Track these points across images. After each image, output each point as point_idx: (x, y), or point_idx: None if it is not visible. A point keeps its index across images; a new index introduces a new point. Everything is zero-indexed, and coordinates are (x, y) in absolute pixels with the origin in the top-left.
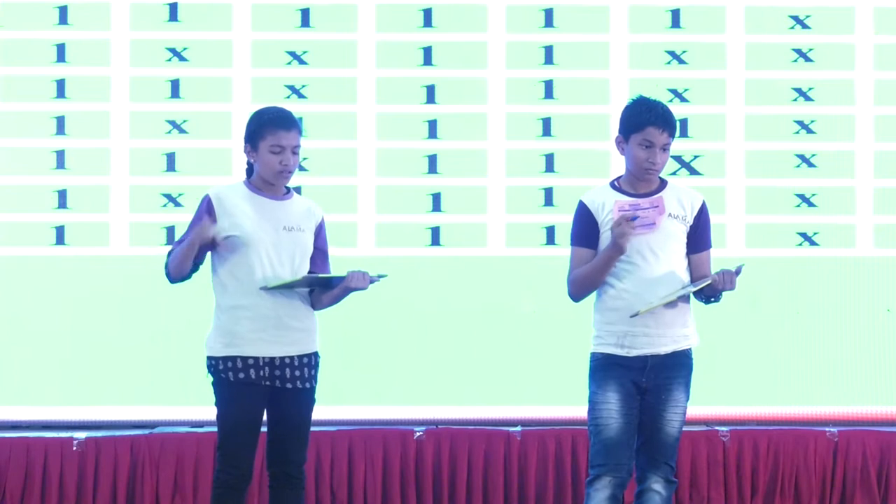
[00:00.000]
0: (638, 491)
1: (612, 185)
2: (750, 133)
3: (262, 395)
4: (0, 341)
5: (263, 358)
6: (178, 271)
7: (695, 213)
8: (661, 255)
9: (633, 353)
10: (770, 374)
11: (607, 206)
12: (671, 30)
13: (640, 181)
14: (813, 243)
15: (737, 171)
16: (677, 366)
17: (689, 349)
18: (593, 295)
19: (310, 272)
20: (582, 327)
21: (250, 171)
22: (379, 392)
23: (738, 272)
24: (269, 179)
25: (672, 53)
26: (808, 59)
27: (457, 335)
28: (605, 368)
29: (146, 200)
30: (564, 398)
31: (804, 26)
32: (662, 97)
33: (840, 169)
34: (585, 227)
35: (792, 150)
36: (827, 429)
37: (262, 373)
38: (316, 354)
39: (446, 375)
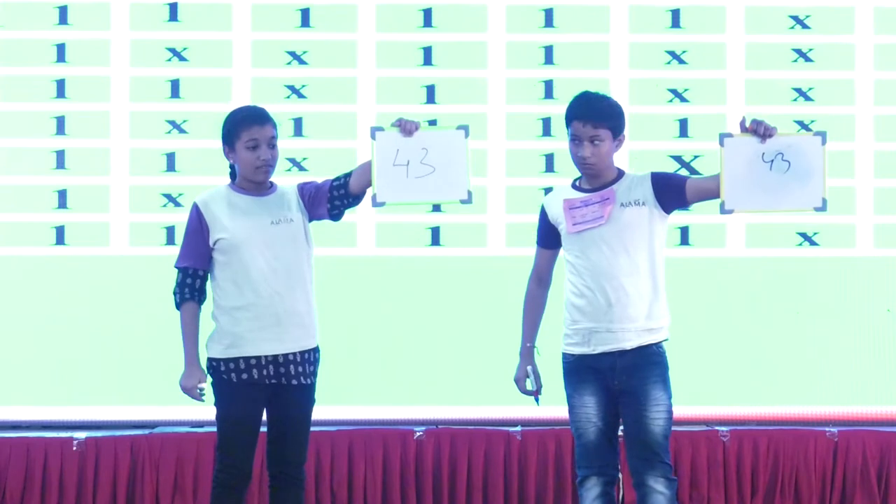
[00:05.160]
0: (640, 494)
1: (573, 182)
2: None
3: (263, 394)
4: (0, 341)
5: (266, 356)
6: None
7: (650, 186)
8: (616, 247)
9: (599, 349)
10: (770, 374)
11: (556, 205)
12: (671, 30)
13: (588, 177)
14: (813, 243)
15: None
16: (648, 365)
17: (659, 345)
18: (565, 295)
19: (332, 186)
20: None
21: (233, 174)
22: (379, 392)
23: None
24: (249, 177)
25: (672, 53)
26: (808, 59)
27: (457, 335)
28: (577, 372)
29: (146, 200)
30: (564, 398)
31: (804, 26)
32: (662, 97)
33: (840, 168)
34: (542, 227)
35: None
36: (827, 429)
37: (264, 371)
38: (316, 350)
39: (446, 375)
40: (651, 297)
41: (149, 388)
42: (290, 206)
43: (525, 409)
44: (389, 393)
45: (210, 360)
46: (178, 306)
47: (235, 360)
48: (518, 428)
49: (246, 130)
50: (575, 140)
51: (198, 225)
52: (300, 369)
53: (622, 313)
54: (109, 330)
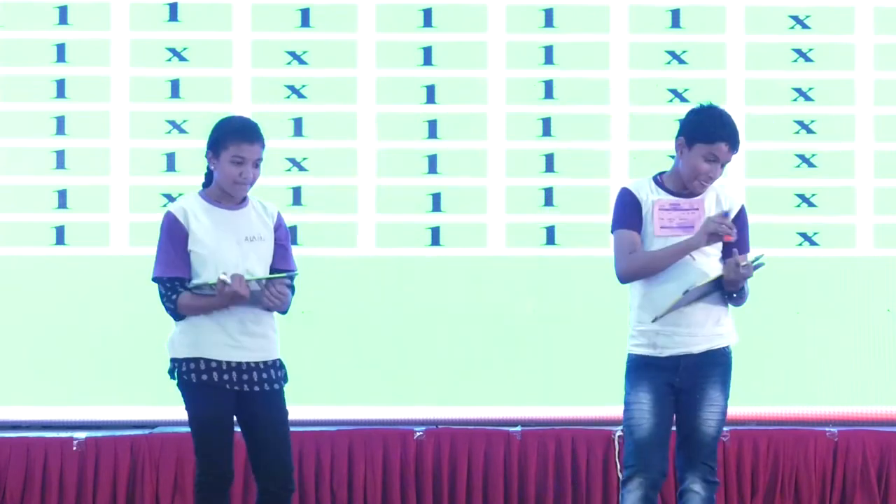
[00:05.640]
0: (679, 492)
1: (655, 179)
2: (750, 133)
3: (228, 397)
4: (0, 341)
5: (229, 362)
6: (193, 314)
7: (732, 216)
8: (696, 258)
9: (666, 353)
10: (770, 374)
11: (649, 201)
12: (671, 30)
13: (691, 187)
14: (813, 243)
15: (738, 171)
16: (712, 364)
17: (726, 347)
18: (630, 297)
19: (273, 270)
20: (581, 328)
21: (209, 180)
22: (379, 392)
23: (748, 263)
24: (226, 189)
25: (672, 53)
26: (808, 59)
27: (457, 335)
28: (637, 370)
29: (146, 200)
30: (564, 398)
31: (804, 26)
32: (662, 97)
33: (840, 169)
34: (631, 210)
35: (792, 150)
36: (827, 429)
37: (225, 376)
38: (279, 360)
39: (446, 375)
40: (720, 304)
41: (149, 388)
42: (265, 224)
43: (525, 409)
44: (389, 393)
45: (172, 360)
46: (175, 314)
47: (196, 360)
48: (518, 428)
49: (235, 145)
50: (712, 160)
51: (178, 234)
52: (263, 376)
53: (691, 318)
54: (109, 330)
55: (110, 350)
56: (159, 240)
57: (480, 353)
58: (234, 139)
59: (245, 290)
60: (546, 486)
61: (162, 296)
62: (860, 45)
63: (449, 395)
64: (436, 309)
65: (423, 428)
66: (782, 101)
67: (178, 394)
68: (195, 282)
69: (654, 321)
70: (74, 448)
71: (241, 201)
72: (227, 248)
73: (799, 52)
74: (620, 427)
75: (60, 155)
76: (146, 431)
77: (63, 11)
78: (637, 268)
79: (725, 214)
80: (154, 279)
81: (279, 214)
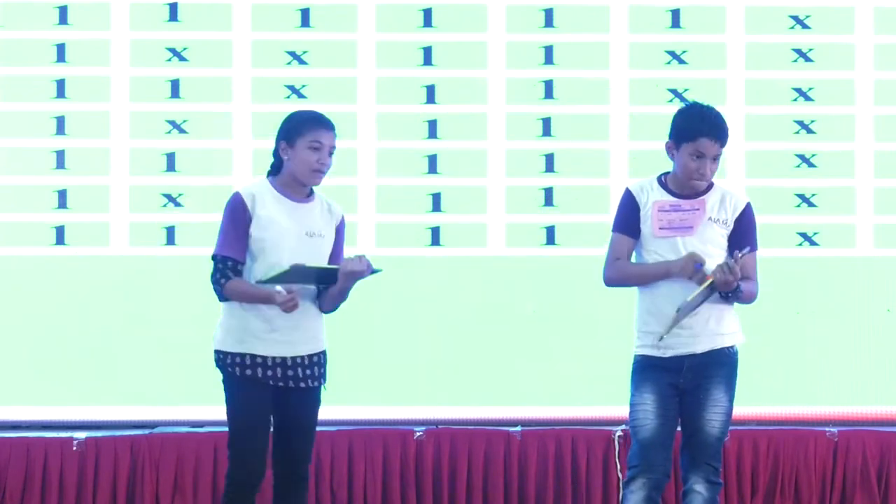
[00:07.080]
0: (682, 492)
1: (659, 180)
2: (750, 133)
3: (268, 393)
4: (0, 341)
5: (275, 358)
6: (236, 300)
7: (736, 215)
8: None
9: (669, 353)
10: (770, 374)
11: (650, 202)
12: (671, 30)
13: (690, 187)
14: (813, 243)
15: (737, 171)
16: (716, 364)
17: (731, 347)
18: (635, 298)
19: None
20: (581, 328)
21: (277, 168)
22: (379, 392)
23: (734, 259)
24: (301, 178)
25: (672, 53)
26: (808, 59)
27: (457, 335)
28: (642, 371)
29: (146, 200)
30: (564, 398)
31: (804, 26)
32: (662, 97)
33: (840, 169)
34: (628, 214)
35: (792, 150)
36: (827, 429)
37: (269, 372)
38: (324, 353)
39: (446, 375)
40: (723, 303)
41: (149, 388)
42: (328, 222)
43: (525, 409)
44: (389, 393)
45: (217, 352)
46: (221, 295)
47: (242, 355)
48: (518, 428)
49: (313, 131)
50: (698, 156)
51: (243, 215)
52: (308, 372)
53: (692, 318)
54: (109, 330)
55: (110, 350)
56: (222, 219)
57: (480, 353)
58: (312, 126)
59: (290, 310)
60: (546, 486)
61: (214, 273)
62: (860, 45)
63: (449, 395)
64: (436, 309)
65: (423, 428)
66: (782, 101)
67: (177, 394)
68: (270, 275)
69: (660, 340)
70: (74, 448)
71: (308, 195)
72: (288, 239)
73: (799, 52)
74: (620, 427)
75: (60, 155)
76: (146, 431)
77: (63, 11)
78: (619, 279)
79: (698, 267)
80: (212, 256)
81: (343, 219)
